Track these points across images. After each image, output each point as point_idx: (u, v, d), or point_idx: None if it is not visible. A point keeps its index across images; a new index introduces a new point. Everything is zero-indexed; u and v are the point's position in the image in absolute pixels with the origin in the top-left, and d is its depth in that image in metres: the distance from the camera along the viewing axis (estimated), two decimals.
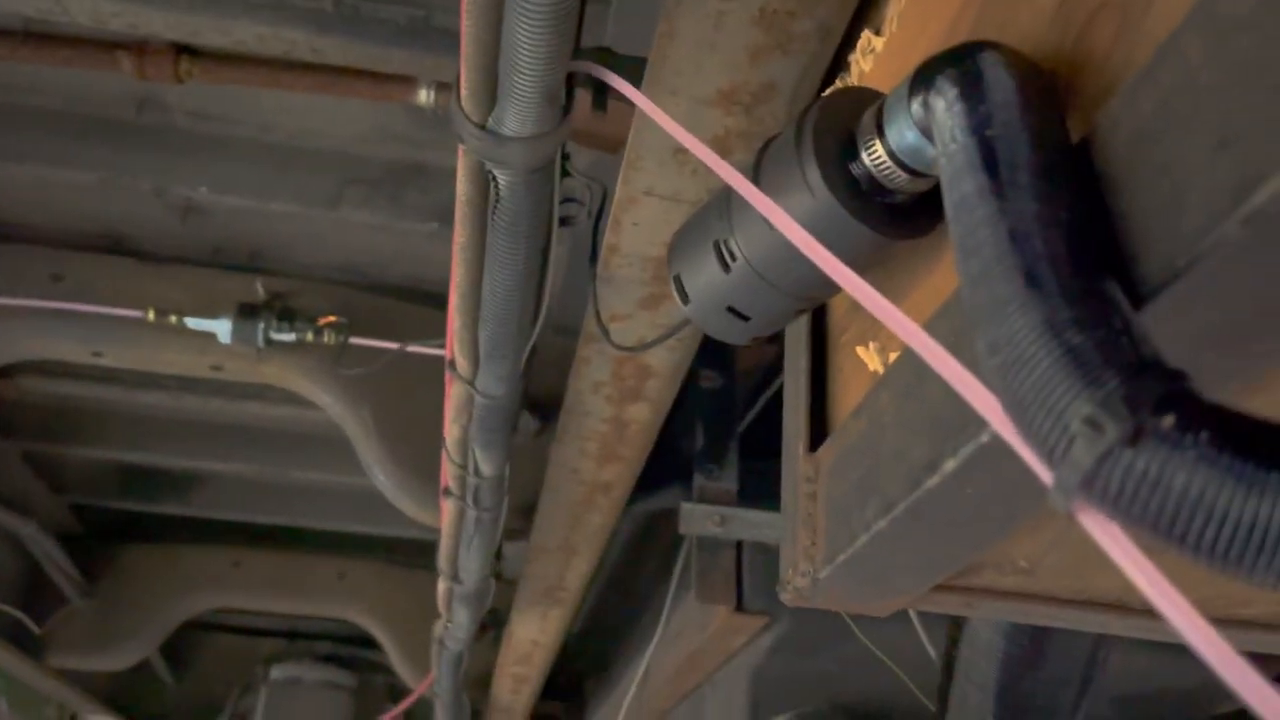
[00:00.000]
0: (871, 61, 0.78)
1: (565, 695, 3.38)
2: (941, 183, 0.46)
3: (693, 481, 1.77)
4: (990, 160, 0.42)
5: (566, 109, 0.88)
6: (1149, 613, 0.34)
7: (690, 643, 1.88)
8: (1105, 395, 0.35)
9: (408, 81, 1.45)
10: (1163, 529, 0.34)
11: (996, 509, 0.58)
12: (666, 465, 1.85)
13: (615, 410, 1.49)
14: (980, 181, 0.42)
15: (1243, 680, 0.31)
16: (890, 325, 0.46)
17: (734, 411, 1.85)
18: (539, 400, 1.99)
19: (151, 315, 1.84)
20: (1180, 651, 0.33)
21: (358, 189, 1.82)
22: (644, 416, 1.50)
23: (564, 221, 1.13)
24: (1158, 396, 0.34)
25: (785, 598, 0.76)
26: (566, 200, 1.11)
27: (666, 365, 1.38)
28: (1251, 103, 0.35)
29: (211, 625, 3.63)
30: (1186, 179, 0.38)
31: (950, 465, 0.53)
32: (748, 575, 1.75)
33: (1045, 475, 0.38)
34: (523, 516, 1.99)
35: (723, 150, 0.92)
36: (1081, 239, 0.41)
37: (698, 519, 1.72)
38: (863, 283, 0.49)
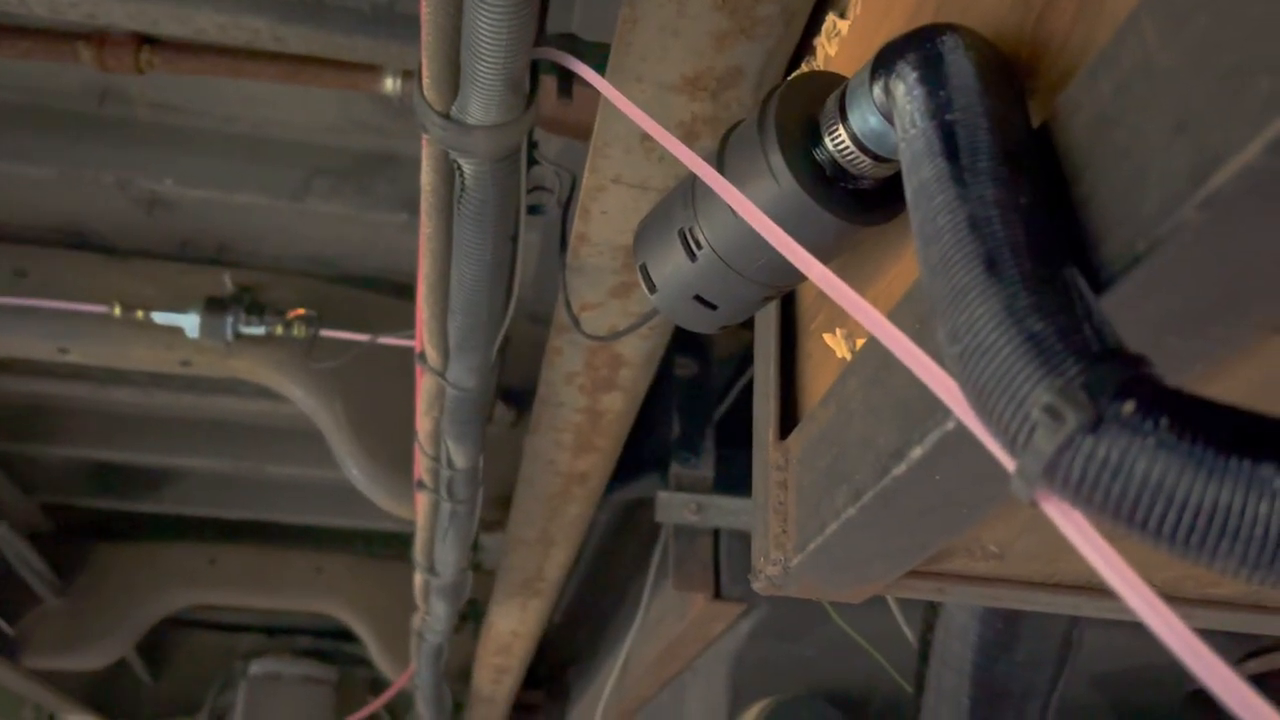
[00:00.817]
0: (836, 45, 0.77)
1: (546, 685, 3.38)
2: (902, 168, 0.46)
3: (669, 470, 1.77)
4: (950, 145, 0.42)
5: (531, 97, 0.87)
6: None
7: (670, 631, 1.88)
8: (1065, 383, 0.34)
9: (373, 70, 1.43)
10: (1124, 515, 0.34)
11: (965, 496, 0.58)
12: (643, 454, 1.85)
13: (589, 400, 1.48)
14: (939, 167, 0.41)
15: (1201, 662, 0.31)
16: (853, 312, 0.46)
17: (710, 399, 1.85)
18: (514, 390, 1.98)
19: (118, 310, 1.81)
20: None
21: (325, 180, 1.80)
22: (619, 406, 1.49)
23: (533, 210, 1.12)
24: (1118, 383, 0.34)
25: (757, 586, 0.75)
26: (535, 188, 1.09)
27: (640, 354, 1.37)
28: (1208, 85, 0.34)
29: (189, 622, 3.60)
30: (1146, 163, 0.37)
31: (917, 453, 0.53)
32: (725, 563, 1.75)
33: (1008, 463, 0.37)
34: (500, 507, 1.98)
35: (690, 137, 0.91)
36: (1042, 225, 0.40)
37: (674, 507, 1.72)
38: (826, 270, 0.48)
